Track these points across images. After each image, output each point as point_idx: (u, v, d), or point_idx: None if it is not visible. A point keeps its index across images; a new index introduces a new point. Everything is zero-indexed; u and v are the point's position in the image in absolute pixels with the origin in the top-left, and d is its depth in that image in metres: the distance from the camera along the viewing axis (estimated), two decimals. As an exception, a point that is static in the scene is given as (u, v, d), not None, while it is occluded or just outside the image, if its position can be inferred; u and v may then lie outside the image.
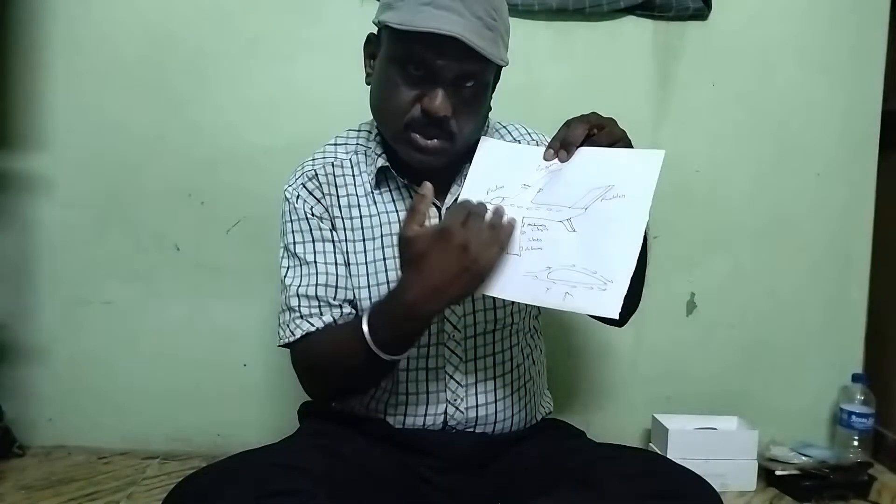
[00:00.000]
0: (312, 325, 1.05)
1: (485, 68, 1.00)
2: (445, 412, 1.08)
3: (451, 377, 1.08)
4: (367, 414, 1.11)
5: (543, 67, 1.64)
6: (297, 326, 1.05)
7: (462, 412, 1.08)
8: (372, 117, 1.10)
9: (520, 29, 1.61)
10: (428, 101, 0.97)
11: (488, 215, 0.91)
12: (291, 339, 1.06)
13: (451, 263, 0.88)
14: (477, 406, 1.09)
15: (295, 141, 1.50)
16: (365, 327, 0.94)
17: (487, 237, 0.89)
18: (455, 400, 1.08)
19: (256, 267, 1.61)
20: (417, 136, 1.00)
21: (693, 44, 1.66)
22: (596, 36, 1.65)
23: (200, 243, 1.63)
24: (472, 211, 0.91)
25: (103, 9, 1.59)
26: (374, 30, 1.06)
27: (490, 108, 1.10)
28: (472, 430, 1.09)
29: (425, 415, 1.08)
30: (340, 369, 1.02)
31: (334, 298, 1.07)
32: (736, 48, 1.67)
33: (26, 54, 1.58)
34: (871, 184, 1.72)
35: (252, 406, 1.65)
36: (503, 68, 1.07)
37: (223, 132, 1.61)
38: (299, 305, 1.06)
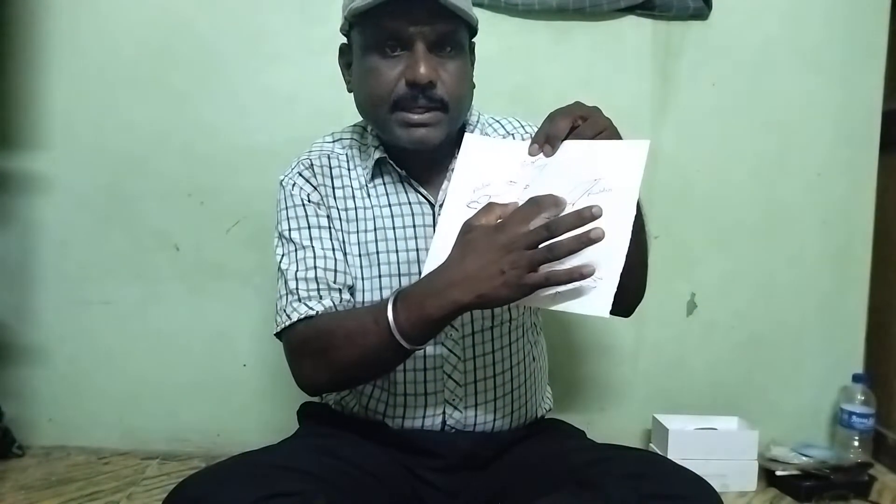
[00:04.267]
0: (311, 308, 1.01)
1: (457, 29, 1.00)
2: (444, 412, 1.07)
3: (450, 377, 1.07)
4: (364, 415, 1.11)
5: (543, 67, 1.64)
6: (294, 310, 1.02)
7: (461, 412, 1.08)
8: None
9: (520, 28, 1.63)
10: (410, 72, 0.97)
11: (563, 238, 0.82)
12: (287, 322, 1.01)
13: (490, 258, 0.84)
14: (476, 405, 1.08)
15: (295, 141, 1.49)
16: (389, 307, 0.90)
17: (533, 257, 0.82)
18: (454, 400, 1.08)
19: (256, 267, 1.62)
20: (407, 113, 0.99)
21: (693, 44, 1.66)
22: (596, 35, 1.65)
23: (200, 243, 1.63)
24: (551, 226, 0.83)
25: (103, 8, 1.59)
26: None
27: (474, 85, 1.10)
28: (470, 429, 1.09)
29: (423, 416, 1.08)
30: (346, 354, 0.95)
31: (334, 281, 1.04)
32: (736, 48, 1.67)
33: (26, 54, 1.58)
34: (871, 184, 1.72)
35: (252, 406, 1.65)
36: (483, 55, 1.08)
37: (223, 132, 1.61)
38: (297, 288, 1.03)
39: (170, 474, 1.50)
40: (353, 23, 1.01)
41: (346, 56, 1.08)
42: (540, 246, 0.83)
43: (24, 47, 1.58)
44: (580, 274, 0.81)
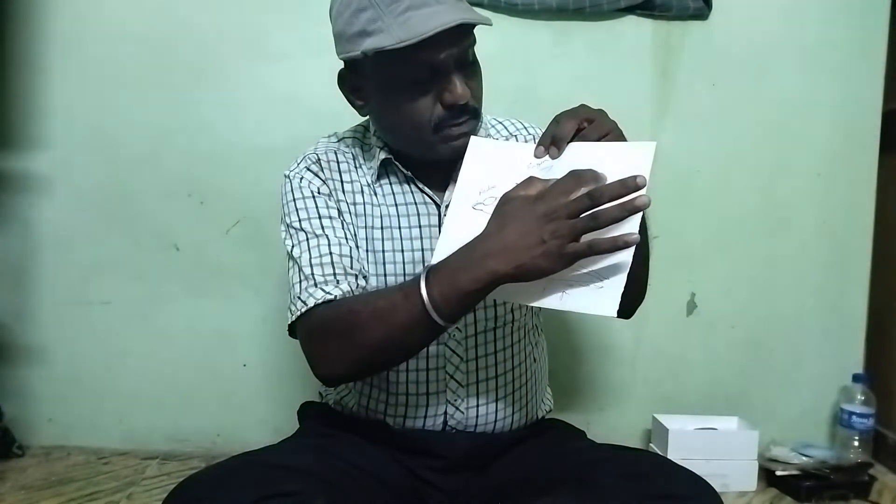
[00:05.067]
0: (329, 292, 0.98)
1: (473, 35, 1.00)
2: (445, 413, 1.07)
3: (452, 377, 1.07)
4: (365, 415, 1.11)
5: (543, 67, 1.65)
6: (311, 295, 0.98)
7: (462, 412, 1.08)
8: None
9: (520, 29, 1.63)
10: (449, 96, 0.97)
11: (608, 206, 0.80)
12: (304, 308, 0.97)
13: (531, 227, 0.82)
14: (477, 406, 1.08)
15: (295, 141, 1.49)
16: (422, 281, 0.86)
17: (575, 226, 0.81)
18: (455, 400, 1.07)
19: (256, 267, 1.62)
20: (448, 130, 0.99)
21: (693, 44, 1.66)
22: (596, 36, 1.65)
23: (200, 243, 1.63)
24: (594, 193, 0.81)
25: (103, 9, 1.59)
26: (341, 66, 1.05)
27: None
28: (472, 430, 1.09)
29: (425, 416, 1.07)
30: (374, 334, 0.91)
31: (351, 267, 1.02)
32: (736, 48, 1.67)
33: (27, 54, 1.58)
34: (871, 184, 1.72)
35: (252, 406, 1.65)
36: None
37: (223, 132, 1.61)
38: (312, 274, 1.00)
39: (170, 474, 1.50)
40: (373, 56, 0.95)
41: (350, 81, 1.05)
42: (582, 215, 0.82)
43: (25, 47, 1.58)
44: (624, 242, 0.80)
